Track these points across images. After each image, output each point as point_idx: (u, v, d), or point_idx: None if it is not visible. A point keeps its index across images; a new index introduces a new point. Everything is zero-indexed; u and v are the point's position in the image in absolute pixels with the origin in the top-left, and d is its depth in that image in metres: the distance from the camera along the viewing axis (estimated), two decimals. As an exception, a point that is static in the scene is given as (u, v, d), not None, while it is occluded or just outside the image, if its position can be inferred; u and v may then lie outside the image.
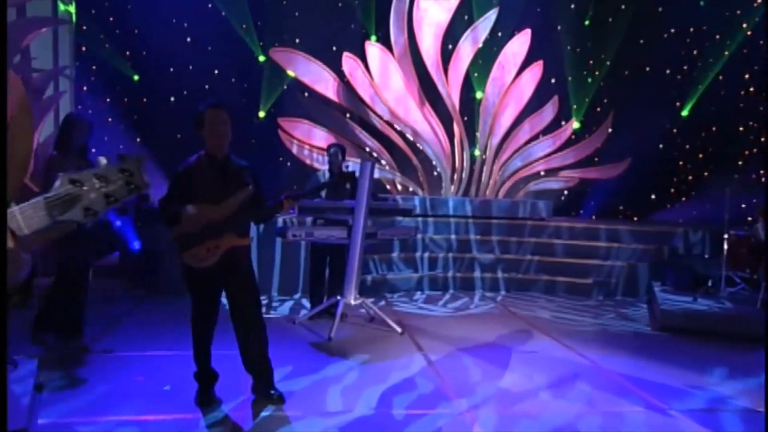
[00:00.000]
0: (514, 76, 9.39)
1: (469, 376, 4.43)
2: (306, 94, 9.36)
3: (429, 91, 9.15)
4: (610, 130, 10.05)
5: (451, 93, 9.13)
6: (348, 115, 9.29)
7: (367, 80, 8.88)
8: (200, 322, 3.63)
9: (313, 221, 6.04)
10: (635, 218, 10.28)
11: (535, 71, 9.45)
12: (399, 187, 9.33)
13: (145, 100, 10.05)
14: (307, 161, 9.01)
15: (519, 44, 9.34)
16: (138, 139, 9.86)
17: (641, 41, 10.37)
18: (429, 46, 8.97)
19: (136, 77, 10.02)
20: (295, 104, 9.64)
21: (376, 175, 8.98)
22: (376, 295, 7.24)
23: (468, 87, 9.68)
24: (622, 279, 7.76)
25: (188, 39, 10.19)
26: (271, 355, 4.64)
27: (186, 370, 3.90)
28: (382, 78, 8.94)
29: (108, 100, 9.95)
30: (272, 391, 3.72)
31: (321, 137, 9.02)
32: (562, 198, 10.45)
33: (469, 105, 9.67)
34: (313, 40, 9.72)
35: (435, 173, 9.35)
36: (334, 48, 9.13)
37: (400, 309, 6.69)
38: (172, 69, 10.08)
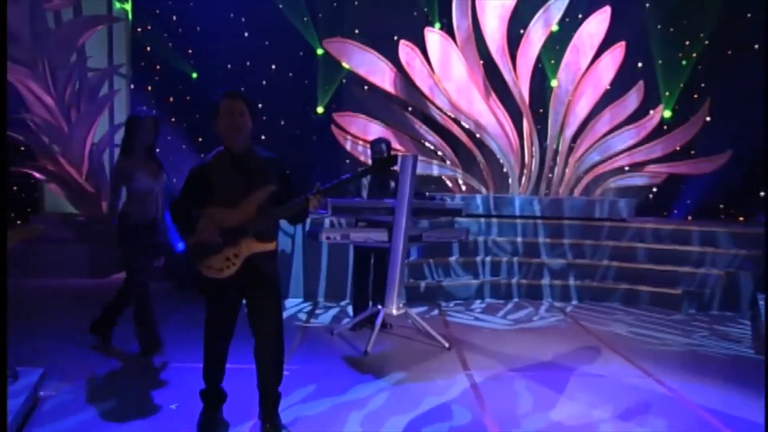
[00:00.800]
0: (590, 60, 8.57)
1: (516, 404, 3.88)
2: (366, 87, 9.03)
3: (495, 81, 8.53)
4: (707, 118, 8.98)
5: (520, 82, 8.46)
6: (410, 109, 8.86)
7: (426, 70, 8.39)
8: (214, 333, 3.28)
9: (355, 222, 5.67)
10: (741, 219, 9.15)
11: (616, 54, 8.58)
12: (462, 185, 8.79)
13: (204, 98, 10.11)
14: (362, 158, 8.66)
15: (596, 24, 8.52)
16: (200, 138, 9.95)
17: (748, 15, 9.20)
18: (493, 30, 8.36)
19: (195, 75, 10.13)
20: (354, 98, 9.36)
21: (435, 172, 8.54)
22: (429, 303, 6.77)
23: (540, 75, 8.97)
24: (719, 290, 6.84)
25: (246, 34, 10.18)
26: (299, 370, 4.34)
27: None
28: (442, 67, 8.43)
29: (171, 99, 10.10)
30: (267, 424, 3.31)
31: (377, 132, 8.62)
32: (650, 196, 9.49)
33: (542, 95, 8.95)
34: (373, 29, 9.39)
35: (504, 170, 8.71)
36: (395, 37, 8.73)
37: (453, 319, 6.18)
38: (229, 66, 10.12)
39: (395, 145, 8.63)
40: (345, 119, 8.81)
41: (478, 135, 8.60)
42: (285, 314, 6.18)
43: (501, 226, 7.80)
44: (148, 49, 9.75)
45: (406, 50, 8.36)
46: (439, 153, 8.79)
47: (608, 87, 8.75)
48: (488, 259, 7.43)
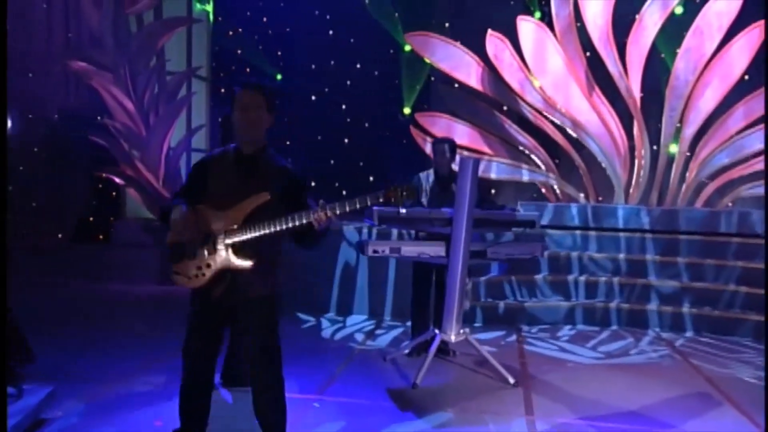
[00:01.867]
0: (718, 45, 7.45)
1: (579, 467, 3.24)
2: (456, 85, 8.55)
3: (599, 74, 7.70)
4: None
5: (630, 74, 7.55)
6: (505, 108, 8.24)
7: (516, 63, 7.74)
8: (184, 354, 2.93)
9: (416, 234, 5.22)
10: None
11: (753, 36, 7.39)
12: (558, 192, 8.02)
13: (288, 100, 10.19)
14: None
15: (727, 1, 7.39)
16: (288, 142, 9.98)
17: None
18: (596, 15, 7.53)
19: (279, 76, 10.18)
20: (441, 97, 8.90)
21: (525, 177, 7.88)
22: (508, 327, 6.15)
23: (653, 66, 7.97)
24: None
25: (330, 32, 10.08)
26: (332, 402, 3.97)
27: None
28: (536, 59, 7.74)
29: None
30: None
31: (462, 134, 8.12)
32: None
33: (655, 88, 7.94)
34: (465, 22, 8.90)
35: (608, 175, 7.82)
36: (490, 30, 8.18)
37: (532, 348, 5.52)
38: (313, 66, 10.07)
39: (482, 147, 8.09)
40: (427, 119, 8.38)
41: (576, 135, 7.80)
42: (343, 333, 5.87)
43: (600, 240, 6.97)
44: (239, 51, 9.91)
45: (494, 42, 7.77)
46: (533, 156, 8.08)
47: (745, 77, 7.57)
48: (583, 278, 6.65)
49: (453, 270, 4.53)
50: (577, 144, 7.86)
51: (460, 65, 8.00)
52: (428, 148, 8.06)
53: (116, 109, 8.00)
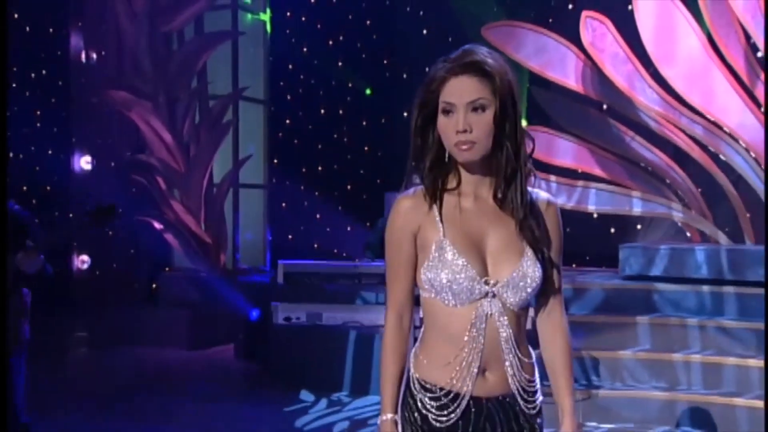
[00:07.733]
0: None
1: None
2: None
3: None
4: None
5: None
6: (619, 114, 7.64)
7: (622, 51, 7.16)
8: None
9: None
10: None
11: None
12: (707, 231, 7.16)
13: (382, 120, 10.58)
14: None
15: None
16: (382, 164, 10.34)
17: None
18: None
19: (368, 91, 10.55)
20: (559, 108, 8.52)
21: (636, 209, 7.29)
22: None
23: None
24: None
25: (424, 31, 10.20)
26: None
27: None
28: (658, 43, 7.08)
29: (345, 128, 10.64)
30: None
31: (566, 151, 7.68)
32: None
33: None
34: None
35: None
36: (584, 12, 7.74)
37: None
38: (405, 75, 10.23)
39: (593, 168, 7.59)
40: (520, 136, 8.05)
41: (711, 146, 6.96)
42: (327, 422, 5.85)
43: (742, 301, 6.07)
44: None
45: (592, 25, 7.29)
46: (666, 179, 7.37)
47: None
48: (700, 357, 5.82)
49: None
50: (722, 164, 7.00)
51: (553, 60, 7.61)
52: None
53: (154, 143, 8.97)
